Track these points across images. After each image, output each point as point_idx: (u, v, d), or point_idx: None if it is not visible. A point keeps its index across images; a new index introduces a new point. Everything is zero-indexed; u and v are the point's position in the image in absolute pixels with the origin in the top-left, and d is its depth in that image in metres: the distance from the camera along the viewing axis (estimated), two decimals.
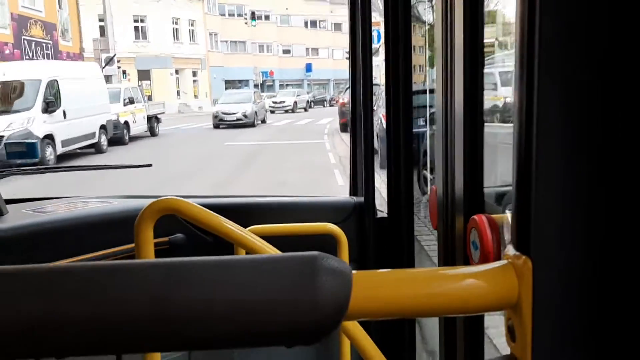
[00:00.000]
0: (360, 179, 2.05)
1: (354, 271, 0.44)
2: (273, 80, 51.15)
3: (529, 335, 0.47)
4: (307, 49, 53.84)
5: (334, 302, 0.41)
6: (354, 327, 1.11)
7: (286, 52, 52.86)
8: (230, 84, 48.98)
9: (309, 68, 53.13)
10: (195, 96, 44.02)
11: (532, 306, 0.46)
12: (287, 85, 53.50)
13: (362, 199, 2.01)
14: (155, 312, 0.39)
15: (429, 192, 1.32)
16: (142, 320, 0.39)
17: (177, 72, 42.17)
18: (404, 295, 0.47)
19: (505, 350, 0.51)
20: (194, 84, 43.93)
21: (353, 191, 2.15)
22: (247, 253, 1.29)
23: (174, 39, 41.81)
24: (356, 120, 2.06)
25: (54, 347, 0.39)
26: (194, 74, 43.87)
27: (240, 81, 49.23)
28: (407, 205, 1.78)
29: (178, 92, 42.49)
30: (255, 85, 48.06)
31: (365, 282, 0.46)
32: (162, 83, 40.66)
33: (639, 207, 0.46)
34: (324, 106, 46.42)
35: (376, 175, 2.12)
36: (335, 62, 53.57)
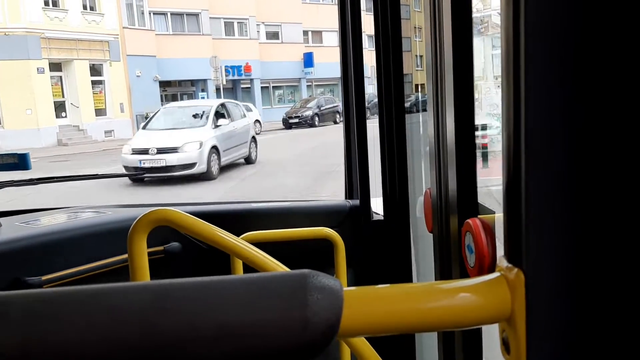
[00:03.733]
0: (355, 182, 2.07)
1: (345, 288, 0.45)
2: (251, 80, 31.30)
3: (523, 348, 0.48)
4: (305, 32, 34.00)
5: (325, 321, 0.41)
6: None
7: (272, 35, 33.11)
8: (171, 87, 28.84)
9: (308, 61, 33.40)
10: (99, 111, 24.12)
11: (525, 318, 0.47)
12: (274, 87, 33.62)
13: (357, 202, 2.03)
14: (142, 335, 0.39)
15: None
16: (129, 344, 0.39)
17: (56, 66, 22.26)
18: (396, 311, 0.47)
19: None
20: (96, 88, 24.00)
21: (348, 194, 2.15)
22: (243, 262, 1.34)
23: (47, 2, 21.88)
24: (349, 122, 2.08)
25: None
26: (95, 70, 23.99)
27: (193, 82, 29.36)
28: (403, 207, 1.81)
29: (61, 106, 22.53)
30: (217, 89, 28.17)
31: (357, 299, 0.46)
32: (21, 88, 20.67)
33: (633, 218, 0.46)
34: (335, 122, 27.12)
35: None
36: None
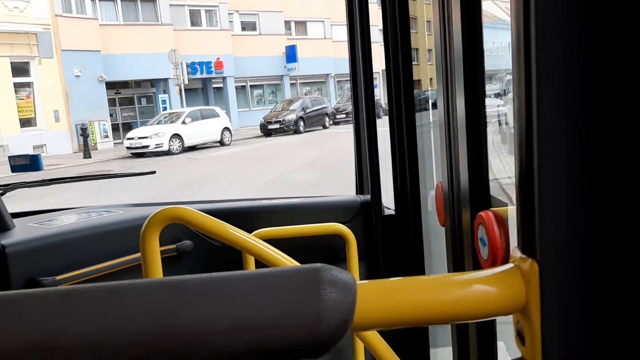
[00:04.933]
0: (366, 177, 2.06)
1: (358, 282, 0.45)
2: (223, 79, 26.66)
3: (538, 339, 0.48)
4: (287, 23, 29.84)
5: (338, 314, 0.42)
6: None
7: (249, 25, 28.53)
8: (127, 89, 24.16)
9: (291, 55, 29.03)
10: (26, 121, 19.35)
11: (540, 309, 0.47)
12: (252, 86, 29.00)
13: (368, 197, 2.03)
14: (159, 330, 0.40)
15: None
16: (147, 339, 0.39)
17: None
18: (409, 304, 0.47)
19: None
20: (21, 92, 19.24)
21: (359, 189, 2.17)
22: (255, 258, 1.39)
23: None
24: (359, 117, 2.08)
25: None
26: (20, 69, 19.14)
27: (153, 83, 24.65)
28: (414, 201, 1.80)
29: None
30: (179, 89, 23.41)
31: (370, 292, 0.46)
32: None
33: None
34: (324, 127, 22.79)
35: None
36: (336, 46, 29.42)
